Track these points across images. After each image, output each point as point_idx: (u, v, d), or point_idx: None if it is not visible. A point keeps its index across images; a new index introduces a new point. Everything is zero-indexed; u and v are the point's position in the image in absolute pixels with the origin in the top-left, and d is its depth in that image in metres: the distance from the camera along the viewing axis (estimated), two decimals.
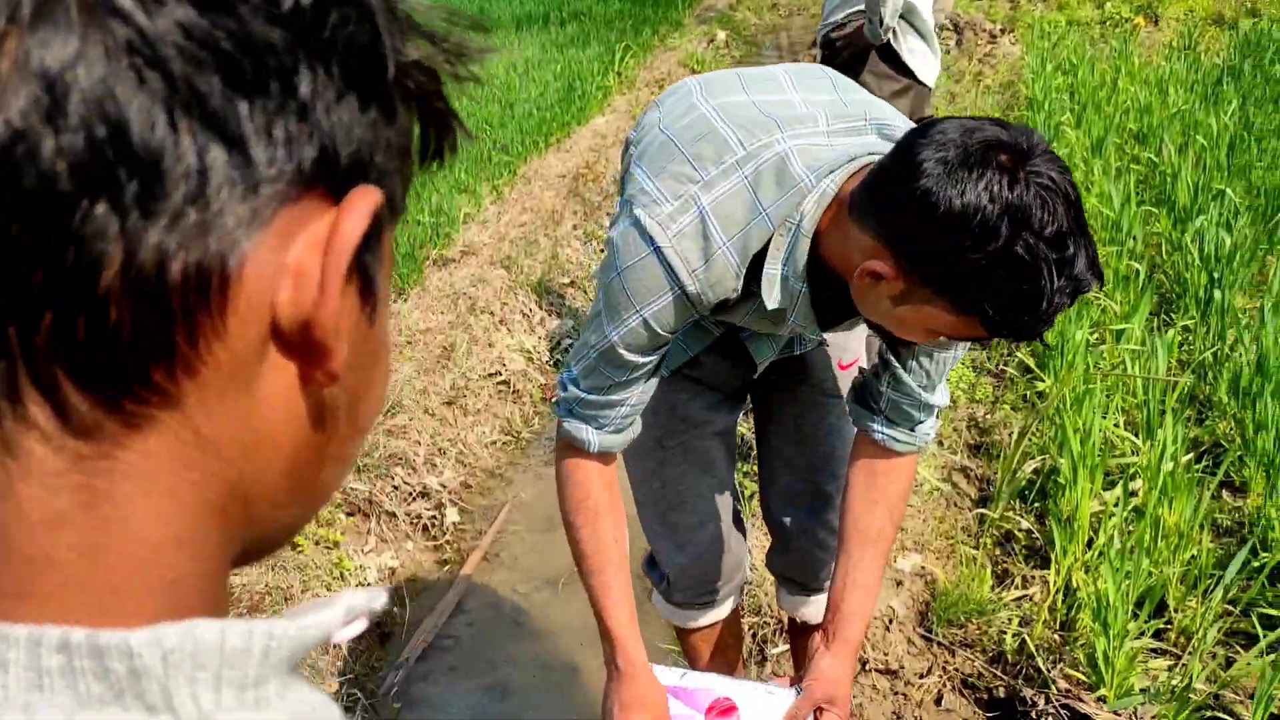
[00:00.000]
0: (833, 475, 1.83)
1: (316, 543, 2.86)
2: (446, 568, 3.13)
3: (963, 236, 1.06)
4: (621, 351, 1.35)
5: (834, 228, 1.25)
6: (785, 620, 2.52)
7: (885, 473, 1.56)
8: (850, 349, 1.82)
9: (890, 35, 3.08)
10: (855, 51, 3.17)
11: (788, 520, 1.90)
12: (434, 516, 3.24)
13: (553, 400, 1.45)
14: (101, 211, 0.29)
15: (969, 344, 1.54)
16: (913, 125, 1.29)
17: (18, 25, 0.28)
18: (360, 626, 0.38)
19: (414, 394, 3.60)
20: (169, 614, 0.32)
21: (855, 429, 1.61)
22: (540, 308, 4.65)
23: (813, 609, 1.95)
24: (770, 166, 1.27)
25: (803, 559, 1.93)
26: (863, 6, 3.11)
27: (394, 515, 3.14)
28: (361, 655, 2.71)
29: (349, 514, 3.07)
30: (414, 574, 3.07)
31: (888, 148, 1.23)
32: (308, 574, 2.71)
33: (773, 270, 1.29)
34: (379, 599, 0.38)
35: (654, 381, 1.45)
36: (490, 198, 5.78)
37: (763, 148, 1.28)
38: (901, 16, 3.07)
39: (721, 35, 10.13)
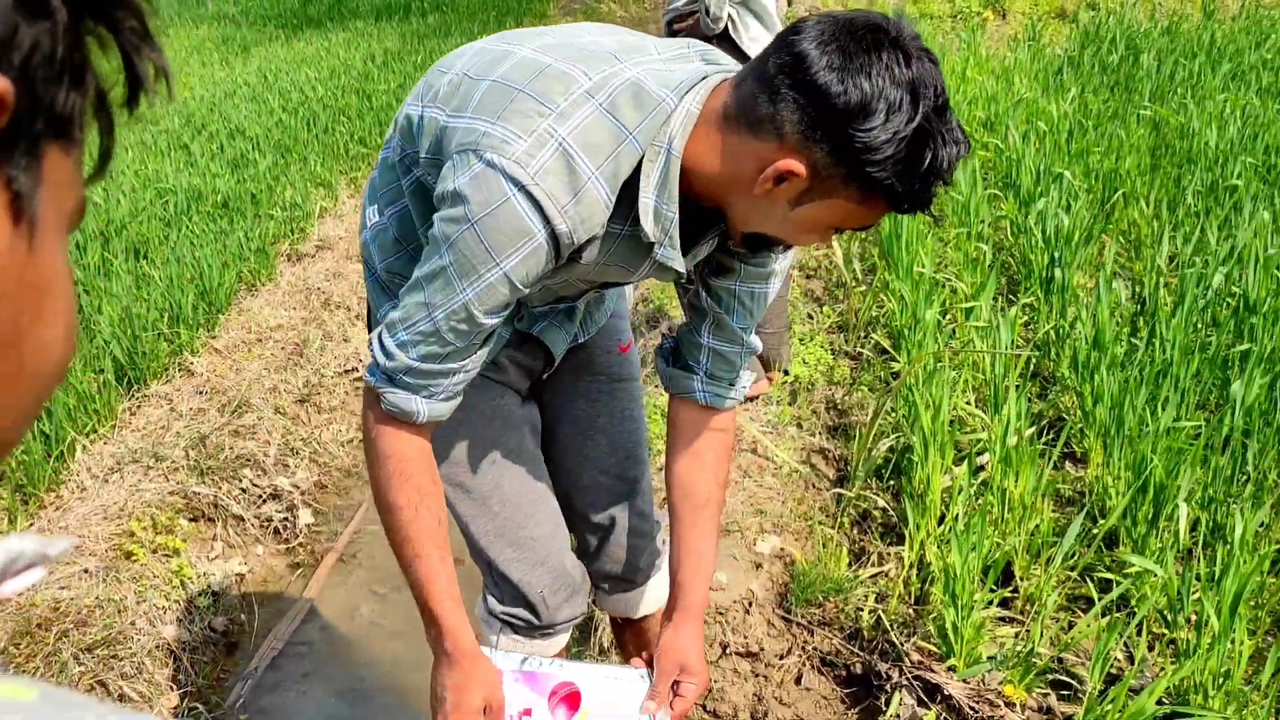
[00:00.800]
0: (637, 460, 1.81)
1: (154, 551, 2.71)
2: (299, 571, 3.02)
3: (873, 119, 1.11)
4: (475, 311, 1.25)
5: (704, 146, 1.23)
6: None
7: (708, 435, 1.58)
8: (623, 330, 1.81)
9: (729, 25, 3.07)
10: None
11: (600, 517, 1.83)
12: (286, 519, 3.12)
13: (372, 362, 1.33)
14: None
15: (784, 277, 1.58)
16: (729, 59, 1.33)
17: None
18: (35, 576, 0.35)
19: (263, 392, 3.46)
20: None
21: (670, 394, 1.61)
22: None
23: (645, 599, 1.93)
24: (624, 90, 1.22)
25: (623, 552, 1.87)
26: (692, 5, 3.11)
27: (241, 519, 3.01)
28: (205, 666, 2.58)
29: (191, 519, 2.92)
30: (264, 579, 2.95)
31: (721, 70, 1.27)
32: (143, 584, 2.57)
33: (647, 199, 1.24)
34: (57, 545, 0.35)
35: (492, 341, 1.36)
36: (347, 191, 5.62)
37: (610, 75, 1.23)
38: (741, 3, 3.06)
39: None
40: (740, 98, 1.20)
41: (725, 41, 3.08)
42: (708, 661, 2.48)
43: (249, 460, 3.17)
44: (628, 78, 1.23)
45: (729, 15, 3.01)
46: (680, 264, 1.31)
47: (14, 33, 0.32)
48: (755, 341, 1.58)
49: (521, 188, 1.18)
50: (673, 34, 3.17)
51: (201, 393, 3.42)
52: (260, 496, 3.12)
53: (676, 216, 1.26)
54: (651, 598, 1.95)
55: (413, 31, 9.40)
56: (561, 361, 1.69)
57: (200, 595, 2.70)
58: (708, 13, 3.00)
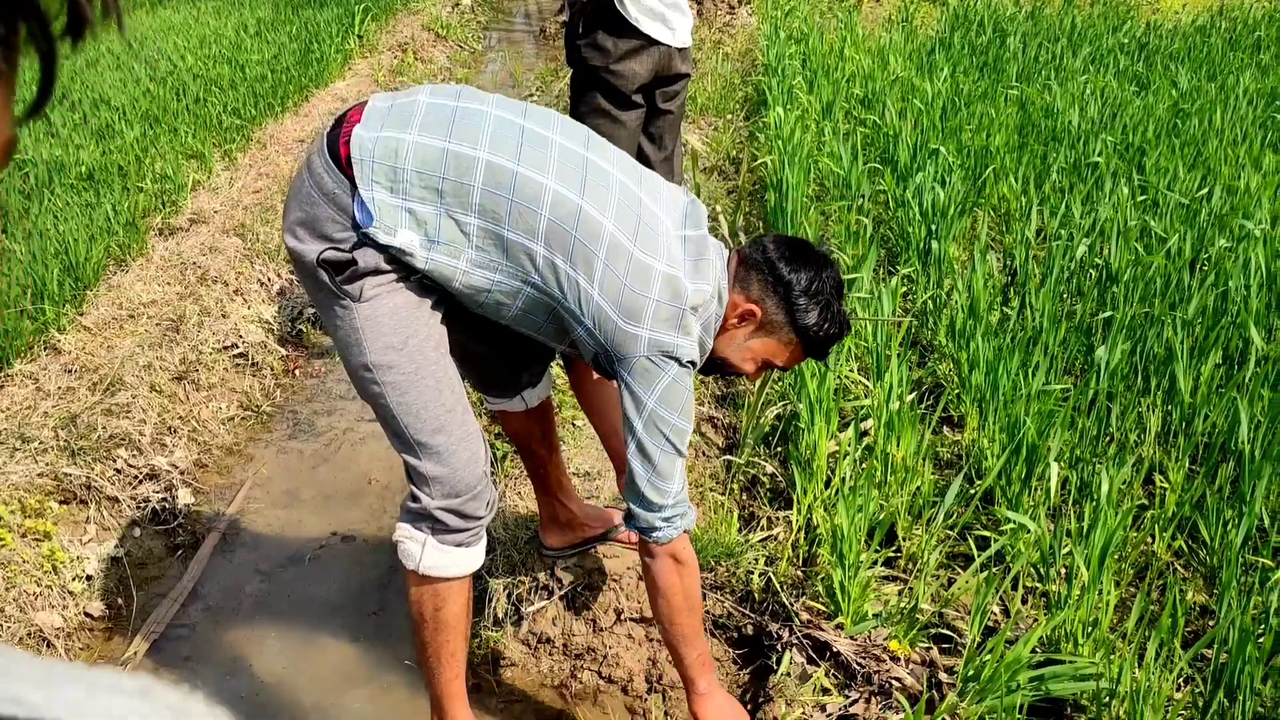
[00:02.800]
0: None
1: (23, 535, 2.59)
2: (180, 553, 2.92)
3: (802, 290, 1.91)
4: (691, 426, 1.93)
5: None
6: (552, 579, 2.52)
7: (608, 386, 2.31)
8: None
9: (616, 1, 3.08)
10: (585, 14, 3.16)
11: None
12: (164, 499, 3.01)
13: (669, 525, 1.95)
14: None
15: None
16: (684, 197, 2.01)
17: None
18: None
19: (137, 370, 3.33)
20: None
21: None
22: (280, 277, 4.41)
23: (517, 400, 2.39)
24: (715, 298, 1.90)
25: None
26: None
27: (117, 500, 2.90)
28: (81, 653, 2.48)
29: (62, 502, 2.80)
30: (143, 562, 2.84)
31: (709, 236, 1.94)
32: (12, 570, 2.45)
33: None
34: None
35: None
36: (222, 163, 5.43)
37: (712, 287, 1.89)
38: None
39: (466, 1, 9.94)
40: (734, 270, 1.94)
41: (608, 12, 3.08)
42: (603, 627, 2.51)
43: (123, 440, 3.04)
44: (714, 290, 1.89)
45: None
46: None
47: None
48: None
49: (694, 366, 1.92)
50: (570, 8, 3.15)
51: (70, 371, 3.27)
52: (136, 477, 3.01)
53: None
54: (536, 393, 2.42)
55: (286, 0, 9.10)
56: None
57: (74, 580, 2.60)
58: None
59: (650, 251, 1.82)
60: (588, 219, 1.78)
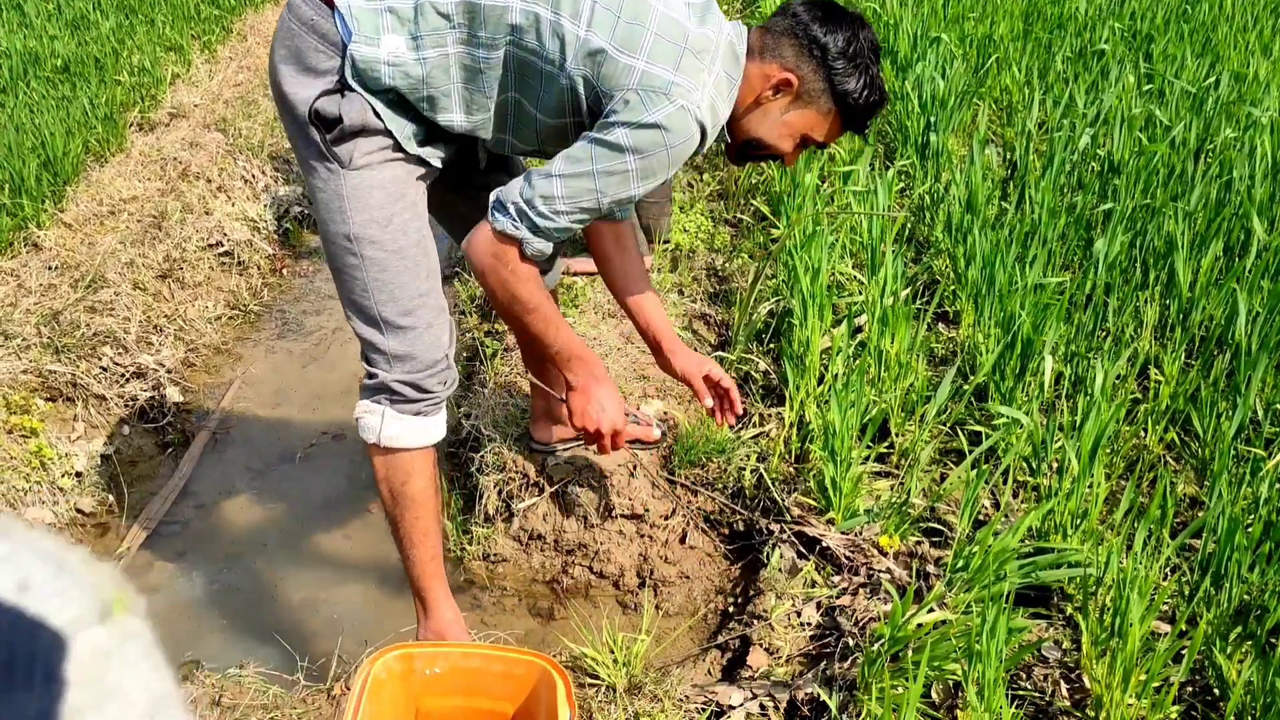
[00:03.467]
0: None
1: (9, 431, 2.57)
2: (170, 451, 2.91)
3: (841, 53, 1.80)
4: (636, 195, 1.76)
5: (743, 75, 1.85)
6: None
7: (624, 242, 2.20)
8: None
9: None
10: None
11: None
12: (152, 398, 2.99)
13: (511, 213, 1.74)
14: None
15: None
16: None
17: None
18: None
19: (119, 267, 3.27)
20: None
21: None
22: (264, 174, 4.32)
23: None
24: (728, 52, 1.81)
25: None
26: None
27: (104, 398, 2.87)
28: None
29: (48, 399, 2.78)
30: (133, 460, 2.84)
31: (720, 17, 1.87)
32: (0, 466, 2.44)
33: (728, 114, 1.87)
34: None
35: None
36: (202, 56, 5.28)
37: (718, 38, 1.79)
38: None
39: None
40: (758, 41, 1.84)
41: None
42: (594, 524, 2.51)
43: (108, 338, 3.01)
44: (727, 40, 1.81)
45: None
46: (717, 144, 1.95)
47: None
48: None
49: (701, 126, 1.73)
50: None
51: (51, 268, 3.22)
52: (123, 375, 2.98)
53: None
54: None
55: None
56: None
57: (64, 477, 2.59)
58: None
59: None
60: None
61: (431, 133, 1.83)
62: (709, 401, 2.21)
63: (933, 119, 3.62)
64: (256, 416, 3.08)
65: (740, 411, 2.25)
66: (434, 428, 1.95)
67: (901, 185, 3.62)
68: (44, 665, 0.37)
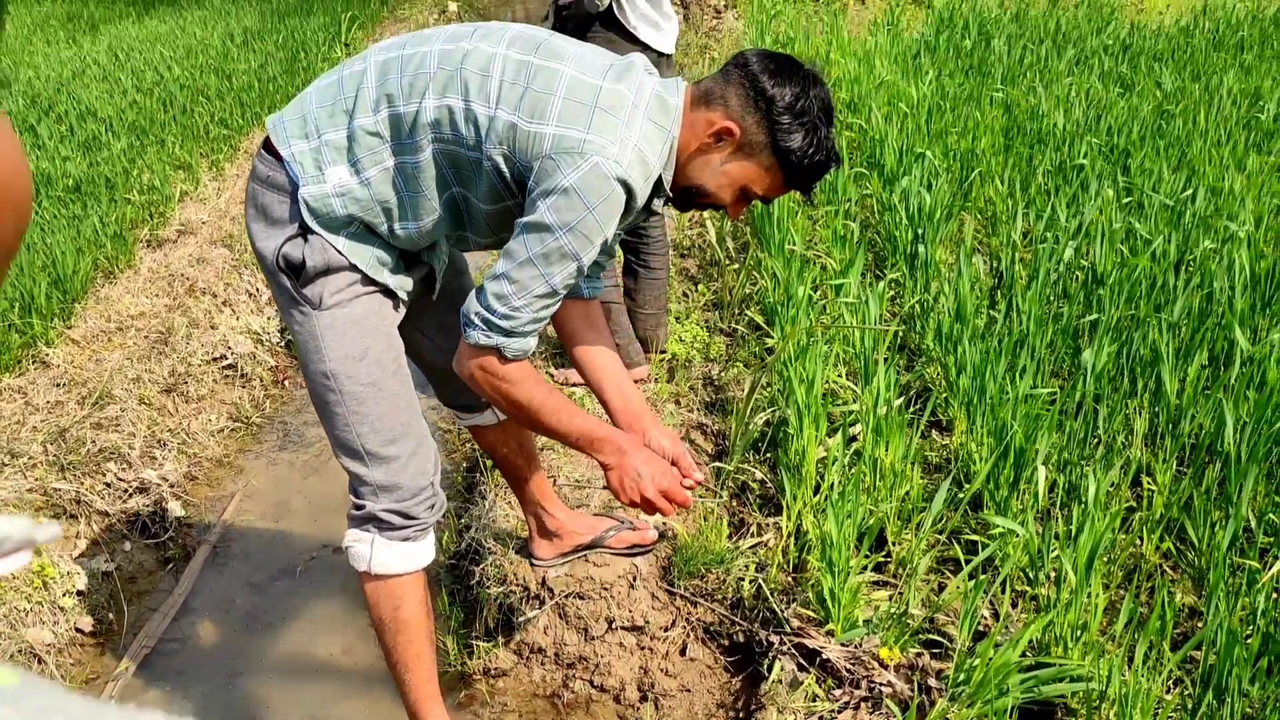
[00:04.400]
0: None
1: None
2: (171, 566, 2.92)
3: (786, 107, 1.74)
4: (585, 267, 1.74)
5: (681, 125, 1.81)
6: (523, 570, 2.53)
7: (593, 320, 2.15)
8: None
9: (614, 4, 3.10)
10: (580, 20, 3.18)
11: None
12: (154, 512, 3.01)
13: (478, 324, 1.76)
14: None
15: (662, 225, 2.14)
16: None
17: None
18: (23, 560, 0.38)
19: (126, 383, 3.32)
20: None
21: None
22: (267, 287, 4.41)
23: (489, 414, 2.37)
24: (654, 101, 1.78)
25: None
26: None
27: (106, 515, 2.89)
28: (73, 669, 2.48)
29: (52, 517, 2.79)
30: (133, 576, 2.84)
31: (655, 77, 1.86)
32: (1, 586, 2.45)
33: (668, 174, 1.83)
34: (47, 531, 0.38)
35: None
36: (210, 174, 5.43)
37: (640, 90, 1.77)
38: None
39: (453, 7, 9.94)
40: (703, 88, 1.81)
41: (609, 20, 3.11)
42: (595, 636, 2.51)
43: (113, 453, 3.04)
44: (650, 91, 1.79)
45: None
46: (661, 209, 1.93)
47: None
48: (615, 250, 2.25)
49: (622, 182, 1.70)
50: (559, 11, 3.18)
51: (59, 385, 3.27)
52: (126, 490, 3.00)
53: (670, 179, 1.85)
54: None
55: (272, 9, 9.10)
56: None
57: (65, 596, 2.59)
58: None
59: (554, 59, 1.75)
60: (477, 54, 1.75)
61: (396, 258, 1.89)
62: (699, 475, 2.08)
63: (920, 231, 3.72)
64: (257, 530, 3.10)
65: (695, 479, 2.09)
66: (423, 552, 2.00)
67: (892, 294, 3.71)
68: None
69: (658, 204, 1.89)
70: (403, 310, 1.96)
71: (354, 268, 1.82)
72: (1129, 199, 4.10)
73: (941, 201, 3.97)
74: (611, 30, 3.17)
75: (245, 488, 3.29)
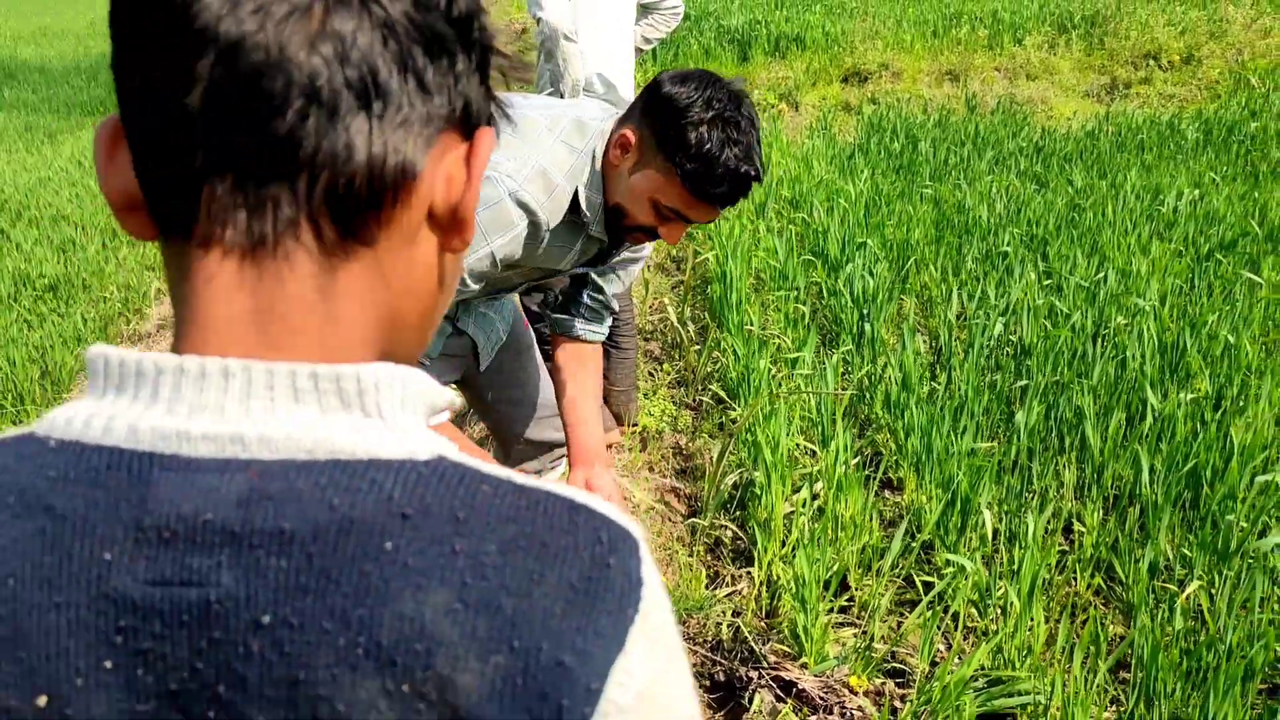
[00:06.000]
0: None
1: None
2: None
3: (676, 107, 1.70)
4: (466, 278, 1.77)
5: (607, 147, 1.83)
6: None
7: (585, 361, 2.19)
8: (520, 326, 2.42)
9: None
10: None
11: (518, 430, 2.47)
12: None
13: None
14: (360, 117, 0.50)
15: (647, 255, 2.27)
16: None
17: (324, 4, 0.49)
18: (446, 417, 0.58)
19: None
20: None
21: (554, 336, 2.22)
22: None
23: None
24: (570, 124, 1.81)
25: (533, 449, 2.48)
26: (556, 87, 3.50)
27: None
28: None
29: None
30: None
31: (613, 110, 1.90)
32: None
33: (586, 192, 1.84)
34: (459, 400, 0.58)
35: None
36: None
37: (557, 117, 1.81)
38: (587, 91, 3.47)
39: None
40: (626, 113, 1.82)
41: None
42: None
43: None
44: (571, 116, 1.82)
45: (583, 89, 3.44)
46: (603, 234, 1.91)
47: (486, 107, 0.59)
48: (615, 303, 2.23)
49: (512, 194, 1.74)
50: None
51: None
52: None
53: (601, 201, 1.85)
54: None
55: None
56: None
57: None
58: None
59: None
60: None
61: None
62: None
63: (865, 311, 4.08)
64: None
65: None
66: None
67: (844, 369, 4.04)
68: None
69: (595, 229, 1.90)
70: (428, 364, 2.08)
71: None
72: (1049, 281, 4.51)
73: (883, 285, 4.35)
74: None
75: None
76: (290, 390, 0.49)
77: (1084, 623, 2.78)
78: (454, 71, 0.54)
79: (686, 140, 1.68)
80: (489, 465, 0.53)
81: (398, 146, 0.52)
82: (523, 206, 1.75)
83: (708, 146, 1.67)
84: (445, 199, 0.56)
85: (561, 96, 3.40)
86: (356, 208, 0.51)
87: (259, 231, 0.50)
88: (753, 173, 1.72)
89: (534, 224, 1.78)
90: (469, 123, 0.57)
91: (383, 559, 0.47)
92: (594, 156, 1.81)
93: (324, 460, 0.48)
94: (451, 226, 0.57)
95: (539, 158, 1.76)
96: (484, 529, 0.49)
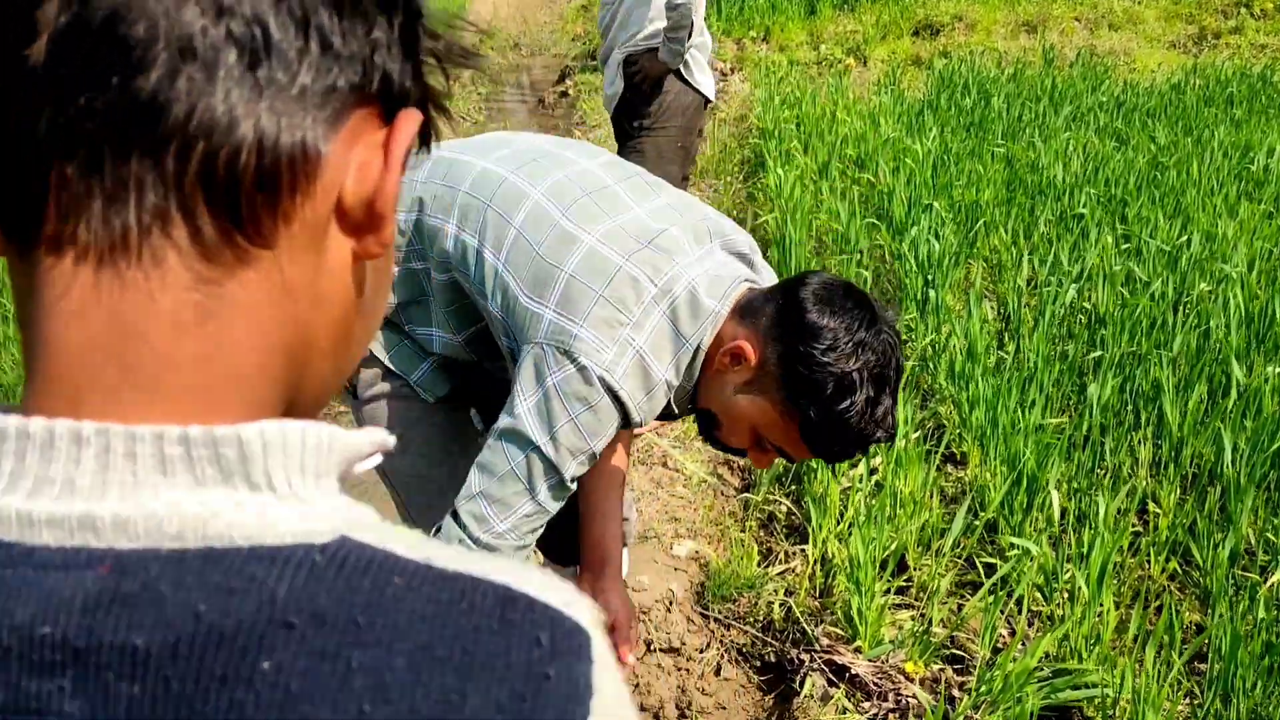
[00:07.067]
0: None
1: None
2: None
3: (819, 343, 1.38)
4: (571, 485, 1.52)
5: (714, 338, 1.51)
6: None
7: (619, 438, 1.84)
8: None
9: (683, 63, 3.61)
10: (655, 79, 3.63)
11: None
12: None
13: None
14: (246, 80, 0.40)
15: None
16: (729, 222, 1.64)
17: None
18: (375, 462, 0.48)
19: None
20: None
21: None
22: None
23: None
24: (684, 299, 1.47)
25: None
26: (651, 43, 3.61)
27: None
28: None
29: None
30: None
31: (738, 262, 1.57)
32: None
33: (680, 381, 1.52)
34: (390, 439, 0.48)
35: None
36: None
37: (671, 281, 1.47)
38: (694, 45, 3.61)
39: (466, 74, 10.26)
40: (754, 294, 1.50)
41: (677, 73, 3.57)
42: (634, 658, 2.65)
43: None
44: (686, 283, 1.47)
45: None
46: (682, 414, 1.63)
47: (414, 91, 0.49)
48: None
49: (612, 392, 1.44)
50: (628, 76, 3.56)
51: None
52: None
53: (691, 391, 1.55)
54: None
55: None
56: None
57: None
58: (680, 56, 3.50)
59: (583, 224, 1.49)
60: (510, 189, 1.53)
61: (432, 365, 1.73)
62: (631, 657, 1.88)
63: (930, 277, 3.92)
64: None
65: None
66: None
67: (906, 338, 3.89)
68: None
69: (680, 412, 1.63)
70: (440, 420, 1.79)
71: (378, 361, 1.71)
72: (1127, 245, 4.30)
73: (949, 249, 4.17)
74: (679, 80, 3.63)
75: None
76: (156, 459, 0.39)
77: (1158, 610, 2.64)
78: (370, 38, 0.44)
79: (821, 392, 1.38)
80: (411, 539, 0.43)
81: (294, 121, 0.41)
82: (619, 405, 1.46)
83: (844, 407, 1.38)
84: (357, 190, 0.45)
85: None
86: (244, 196, 0.41)
87: (119, 225, 0.40)
88: (885, 438, 1.45)
89: (626, 421, 1.50)
90: (390, 102, 0.46)
91: (259, 683, 0.37)
92: (700, 348, 1.49)
93: (194, 550, 0.39)
94: (366, 225, 0.46)
95: (641, 340, 1.45)
96: (391, 637, 0.39)
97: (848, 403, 1.38)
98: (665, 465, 3.27)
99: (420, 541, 0.43)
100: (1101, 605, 2.45)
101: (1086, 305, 3.80)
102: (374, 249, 0.47)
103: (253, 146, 0.40)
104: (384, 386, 1.72)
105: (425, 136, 0.50)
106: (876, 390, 1.40)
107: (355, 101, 0.44)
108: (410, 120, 0.47)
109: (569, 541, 1.94)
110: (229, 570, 0.38)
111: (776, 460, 1.61)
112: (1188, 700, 2.34)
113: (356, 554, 0.40)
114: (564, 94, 9.13)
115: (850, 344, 1.39)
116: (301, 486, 0.41)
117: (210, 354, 0.42)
